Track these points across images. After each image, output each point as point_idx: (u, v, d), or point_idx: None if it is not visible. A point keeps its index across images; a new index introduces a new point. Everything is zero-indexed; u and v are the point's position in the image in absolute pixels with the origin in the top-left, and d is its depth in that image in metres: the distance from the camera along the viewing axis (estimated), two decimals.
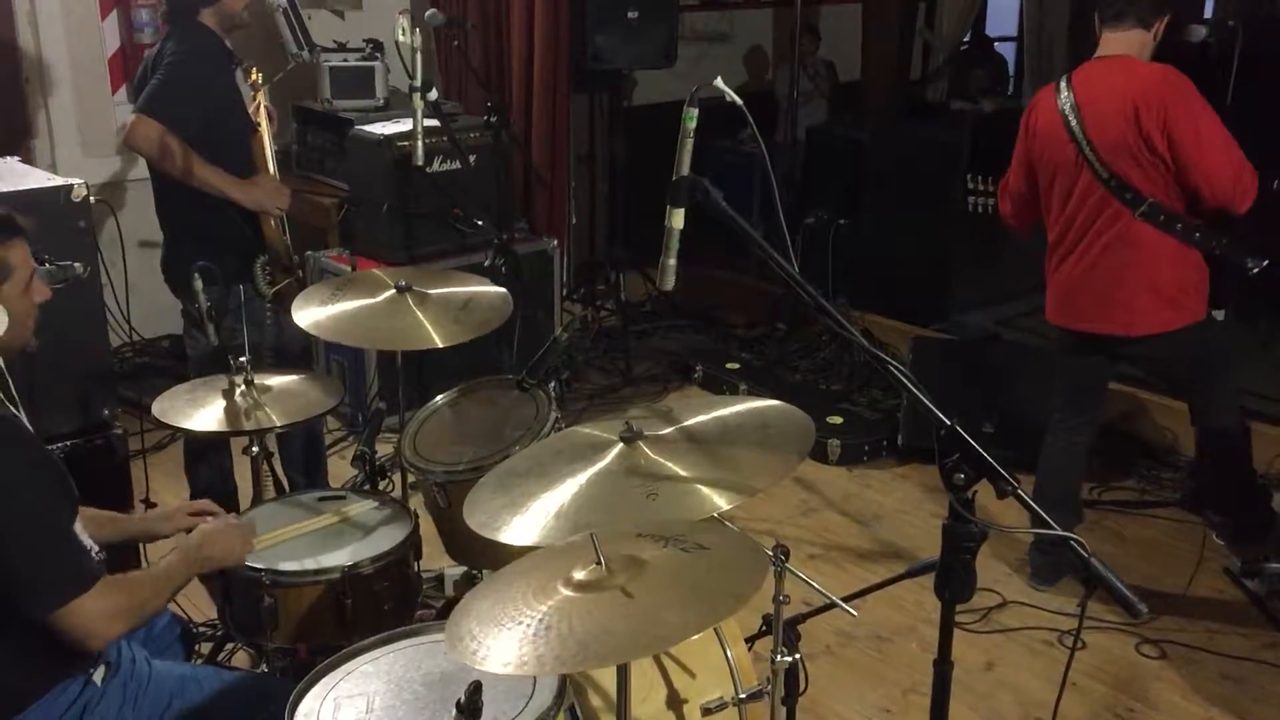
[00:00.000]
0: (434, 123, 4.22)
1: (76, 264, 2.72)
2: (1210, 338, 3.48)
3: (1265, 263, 3.30)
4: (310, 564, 2.51)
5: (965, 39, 8.93)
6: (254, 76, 3.52)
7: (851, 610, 2.26)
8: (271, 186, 3.47)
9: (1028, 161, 3.53)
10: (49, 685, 2.08)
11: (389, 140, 4.61)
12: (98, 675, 2.14)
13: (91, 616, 2.02)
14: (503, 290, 3.06)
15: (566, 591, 1.68)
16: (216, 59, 3.47)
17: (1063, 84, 3.39)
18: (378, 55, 5.26)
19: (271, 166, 3.51)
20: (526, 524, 2.00)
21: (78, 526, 2.14)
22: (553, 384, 2.95)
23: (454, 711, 1.69)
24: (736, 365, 5.36)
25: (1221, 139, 3.20)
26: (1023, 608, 3.62)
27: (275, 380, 2.90)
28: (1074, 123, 3.31)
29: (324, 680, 1.97)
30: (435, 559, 3.07)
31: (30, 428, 2.16)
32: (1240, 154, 3.20)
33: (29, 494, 2.02)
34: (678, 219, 2.07)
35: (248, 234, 3.49)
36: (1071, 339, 3.58)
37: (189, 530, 2.39)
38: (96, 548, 2.25)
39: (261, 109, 3.48)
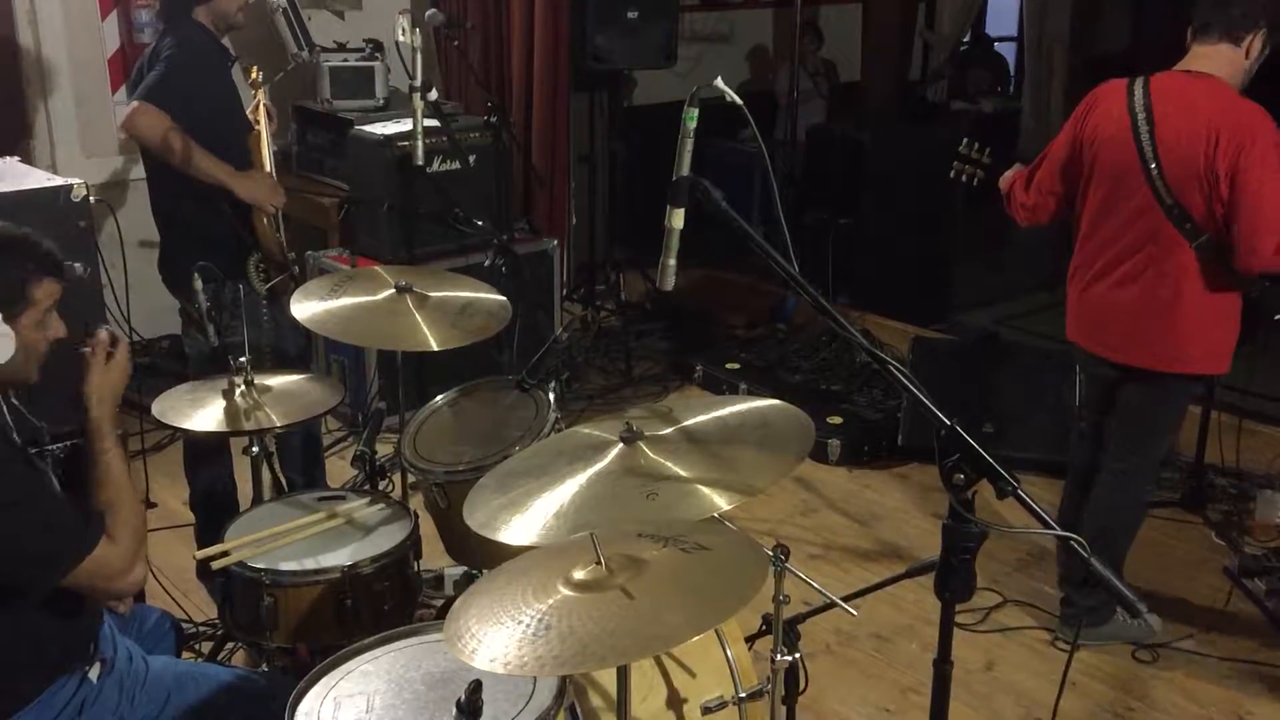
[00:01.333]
0: (434, 123, 4.22)
1: (76, 264, 2.71)
2: (1187, 396, 3.29)
3: None
4: (310, 564, 2.51)
5: (965, 39, 8.94)
6: (254, 75, 3.52)
7: (851, 610, 2.26)
8: (268, 182, 3.47)
9: (1072, 158, 3.20)
10: (46, 684, 2.07)
11: (389, 140, 4.61)
12: (93, 673, 2.14)
13: (114, 557, 2.04)
14: (501, 297, 3.05)
15: (566, 591, 1.68)
16: (212, 56, 3.48)
17: (1137, 86, 3.06)
18: (378, 55, 5.26)
19: (269, 165, 3.51)
20: (526, 524, 2.00)
21: None
22: (553, 384, 2.95)
23: (454, 711, 1.69)
24: (736, 365, 5.36)
25: None
26: (1023, 608, 3.62)
27: (275, 380, 2.90)
28: (1145, 132, 2.99)
29: (324, 680, 1.97)
30: (435, 559, 3.07)
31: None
32: None
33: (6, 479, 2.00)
34: (678, 219, 2.07)
35: (240, 230, 3.49)
36: (1095, 359, 3.31)
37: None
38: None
39: (261, 108, 3.48)
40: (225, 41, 3.58)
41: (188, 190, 3.40)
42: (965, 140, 3.52)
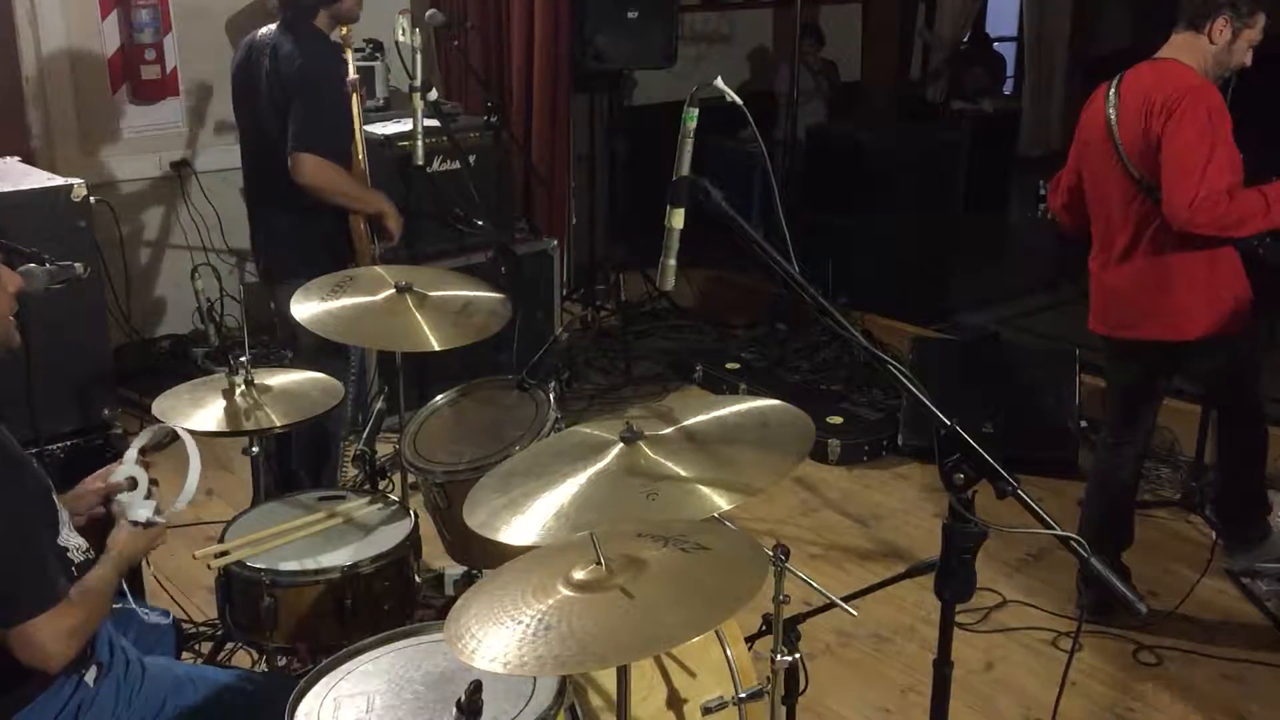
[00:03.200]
0: (434, 123, 4.23)
1: (76, 264, 2.72)
2: (1244, 349, 3.42)
3: None
4: (310, 564, 2.51)
5: (965, 39, 8.94)
6: (345, 31, 3.60)
7: (851, 610, 2.26)
8: (394, 209, 3.61)
9: (1078, 158, 3.46)
10: (39, 689, 2.06)
11: (389, 140, 4.61)
12: (90, 676, 2.12)
13: (50, 635, 1.95)
14: (501, 295, 3.05)
15: (566, 591, 1.68)
16: (337, 63, 3.56)
17: (1115, 81, 3.32)
18: (378, 55, 5.26)
19: (361, 153, 3.62)
20: (526, 524, 2.00)
21: (64, 523, 2.13)
22: (553, 384, 2.95)
23: (454, 711, 1.69)
24: (736, 365, 5.36)
25: (1203, 160, 3.07)
26: (1023, 608, 3.61)
27: (275, 380, 2.90)
28: (1113, 119, 3.25)
29: (324, 680, 1.97)
30: (435, 559, 3.07)
31: (8, 434, 2.09)
32: (1219, 184, 3.06)
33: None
34: (678, 219, 2.07)
35: (340, 241, 3.57)
36: (1116, 347, 3.49)
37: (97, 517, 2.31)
38: (85, 545, 2.24)
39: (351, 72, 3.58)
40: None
41: (294, 204, 3.49)
42: (1040, 182, 3.73)
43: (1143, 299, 3.32)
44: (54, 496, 2.18)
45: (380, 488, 3.00)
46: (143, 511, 2.24)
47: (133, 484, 2.28)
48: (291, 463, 3.69)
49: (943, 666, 1.86)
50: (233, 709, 2.23)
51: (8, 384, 2.65)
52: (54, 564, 2.04)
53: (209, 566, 2.53)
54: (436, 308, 2.92)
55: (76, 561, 2.18)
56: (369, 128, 4.75)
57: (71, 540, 2.17)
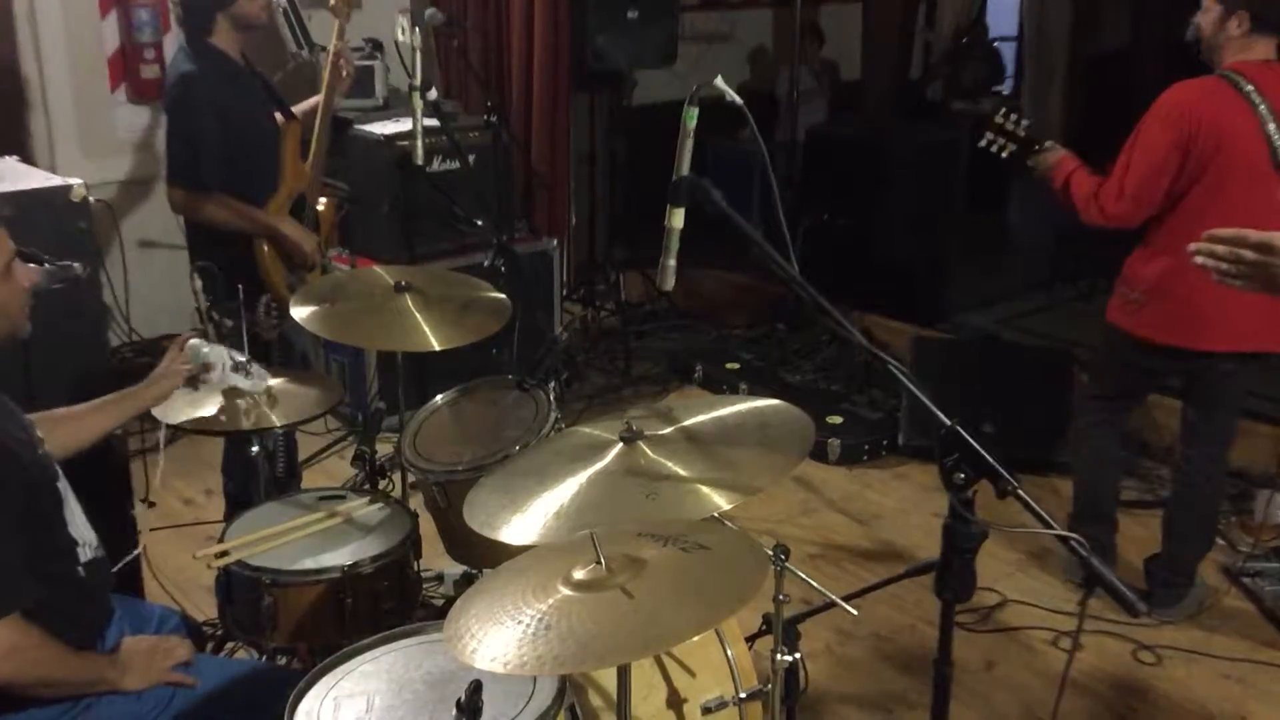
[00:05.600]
0: (434, 122, 4.22)
1: (76, 264, 2.72)
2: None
3: None
4: (310, 564, 2.51)
5: (965, 38, 8.93)
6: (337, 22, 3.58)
7: (852, 610, 2.26)
8: (296, 227, 3.53)
9: (1184, 163, 3.20)
10: None
11: (389, 140, 4.60)
12: None
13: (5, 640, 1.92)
14: (501, 296, 3.05)
15: (566, 591, 1.68)
16: (221, 87, 3.41)
17: (1240, 80, 3.16)
18: (377, 55, 5.26)
19: (310, 157, 3.57)
20: (526, 524, 2.00)
21: (71, 512, 2.12)
22: (552, 384, 2.95)
23: (454, 711, 1.69)
24: (736, 365, 5.36)
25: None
26: (1023, 607, 3.62)
27: (275, 380, 2.89)
28: (1272, 127, 3.13)
29: (324, 680, 1.97)
30: (435, 559, 3.07)
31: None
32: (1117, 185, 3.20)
33: None
34: (678, 219, 2.07)
35: (233, 279, 3.38)
36: (1157, 353, 3.35)
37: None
38: (95, 541, 2.24)
39: (329, 63, 3.55)
40: (242, 53, 3.54)
41: (193, 238, 3.52)
42: (1002, 109, 3.46)
43: (1268, 311, 3.13)
44: (59, 485, 2.17)
45: (380, 488, 3.00)
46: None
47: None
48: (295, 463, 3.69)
49: (943, 666, 1.86)
50: (241, 698, 2.23)
51: (7, 384, 2.64)
52: (12, 573, 1.98)
53: (209, 566, 2.53)
54: (436, 308, 2.92)
55: (84, 560, 2.18)
56: (369, 128, 4.77)
57: (84, 535, 2.17)
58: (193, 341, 2.58)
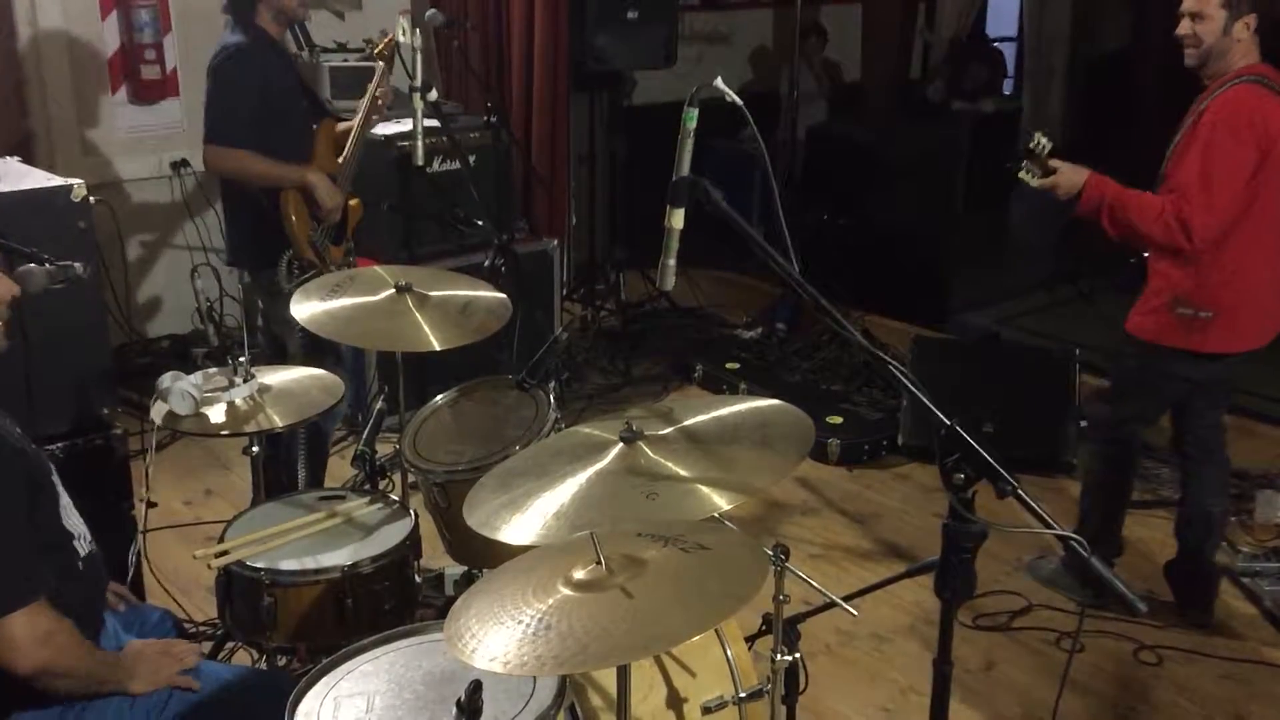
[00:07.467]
0: (434, 123, 4.22)
1: (76, 264, 2.72)
2: None
3: None
4: (310, 564, 2.51)
5: (965, 38, 8.93)
6: (379, 48, 3.76)
7: (852, 610, 2.26)
8: (321, 179, 3.67)
9: (1257, 171, 3.14)
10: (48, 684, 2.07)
11: (389, 140, 4.60)
12: None
13: (23, 633, 1.93)
14: (502, 295, 3.05)
15: (566, 591, 1.68)
16: (266, 60, 3.62)
17: (1272, 83, 3.15)
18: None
19: (344, 155, 3.74)
20: (526, 523, 2.00)
21: (65, 507, 2.12)
22: (552, 384, 2.95)
23: (454, 711, 1.69)
24: (736, 365, 5.36)
25: None
26: (1023, 607, 3.61)
27: (275, 380, 2.89)
28: None
29: (324, 680, 1.97)
30: (435, 559, 3.07)
31: None
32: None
33: None
34: (678, 219, 2.07)
35: (264, 229, 3.64)
36: (1214, 361, 3.29)
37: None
38: (88, 536, 2.24)
39: (367, 102, 3.76)
40: (286, 37, 3.80)
41: (227, 194, 3.76)
42: (1036, 136, 3.27)
43: None
44: (54, 479, 2.17)
45: (380, 488, 3.00)
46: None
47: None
48: (295, 463, 3.70)
49: (943, 666, 1.86)
50: (235, 703, 2.23)
51: (7, 384, 2.65)
52: (33, 560, 2.00)
53: (209, 566, 2.53)
54: (436, 308, 2.91)
55: (83, 554, 2.18)
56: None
57: (78, 528, 2.17)
58: (162, 378, 2.58)
